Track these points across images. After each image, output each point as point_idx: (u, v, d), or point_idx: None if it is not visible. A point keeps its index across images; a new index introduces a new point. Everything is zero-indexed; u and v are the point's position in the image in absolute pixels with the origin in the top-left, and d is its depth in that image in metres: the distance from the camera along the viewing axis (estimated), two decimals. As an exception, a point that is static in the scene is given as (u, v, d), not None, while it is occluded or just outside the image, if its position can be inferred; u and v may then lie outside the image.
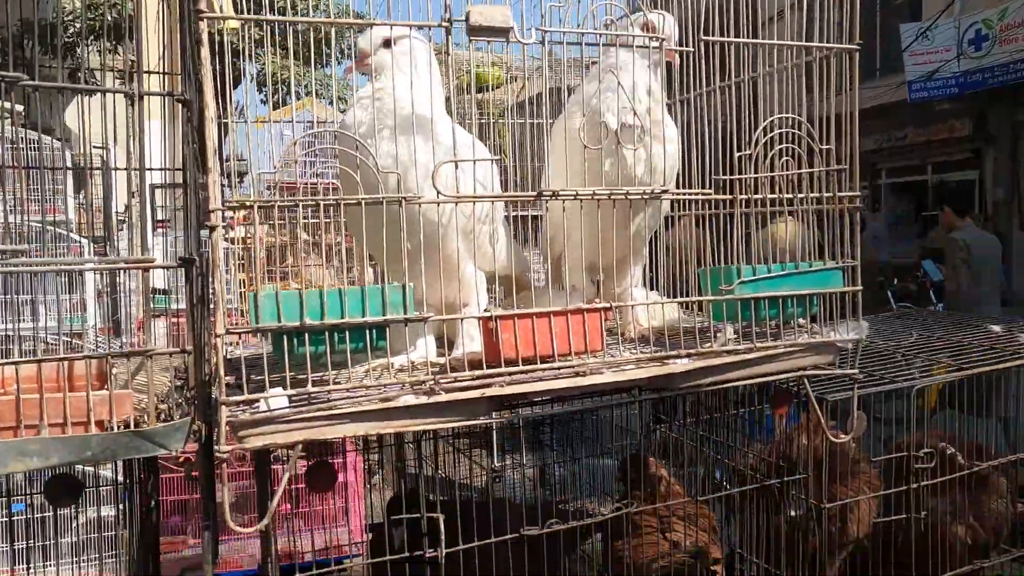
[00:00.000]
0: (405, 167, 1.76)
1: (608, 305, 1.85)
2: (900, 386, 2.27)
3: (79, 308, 5.66)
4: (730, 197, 1.92)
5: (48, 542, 3.98)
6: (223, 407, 1.53)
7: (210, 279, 1.63)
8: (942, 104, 11.24)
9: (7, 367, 1.62)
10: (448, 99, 1.97)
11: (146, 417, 1.63)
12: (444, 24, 1.68)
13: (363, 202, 1.65)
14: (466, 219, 1.81)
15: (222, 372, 1.55)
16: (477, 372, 1.72)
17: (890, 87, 11.07)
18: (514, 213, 2.94)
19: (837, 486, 2.27)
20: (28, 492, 2.92)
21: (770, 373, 1.98)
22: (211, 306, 1.69)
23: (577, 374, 1.78)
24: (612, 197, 1.83)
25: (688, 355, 1.88)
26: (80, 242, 6.10)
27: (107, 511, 3.87)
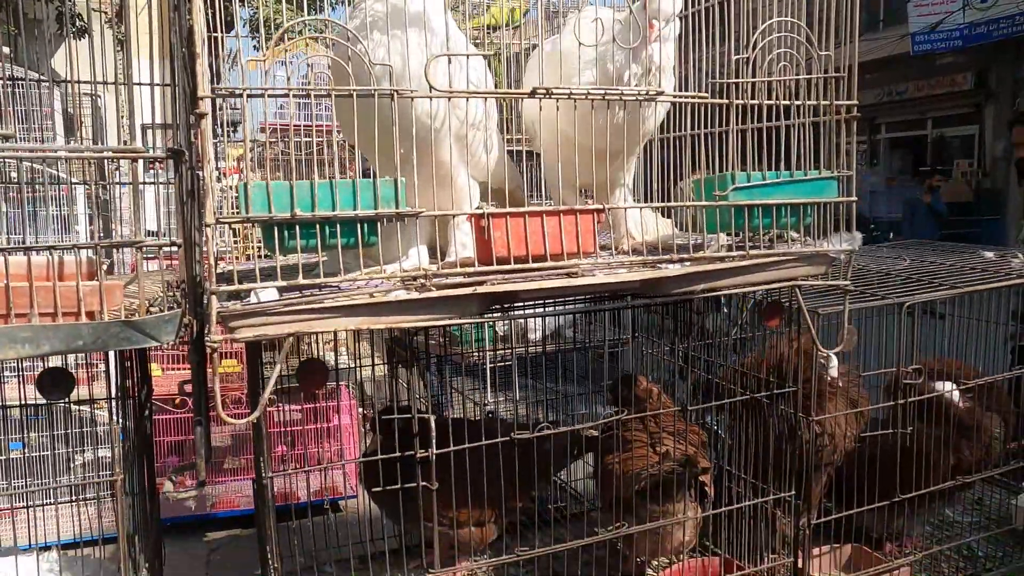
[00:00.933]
0: (399, 66, 1.73)
1: (601, 207, 1.84)
2: (891, 302, 2.28)
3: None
4: (726, 102, 1.90)
5: (47, 481, 4.01)
6: (213, 296, 1.52)
7: (199, 170, 1.61)
8: (944, 57, 11.11)
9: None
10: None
11: (137, 313, 1.63)
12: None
13: (354, 95, 1.63)
14: (460, 123, 1.79)
15: (212, 261, 1.54)
16: (469, 269, 1.72)
17: (892, 39, 10.93)
18: (508, 148, 2.91)
19: (824, 400, 2.30)
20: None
21: (761, 282, 1.99)
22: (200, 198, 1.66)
23: (569, 275, 1.77)
24: (607, 98, 1.81)
25: (680, 260, 1.88)
26: (71, 181, 6.06)
27: (104, 452, 3.90)
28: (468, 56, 1.73)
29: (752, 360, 2.44)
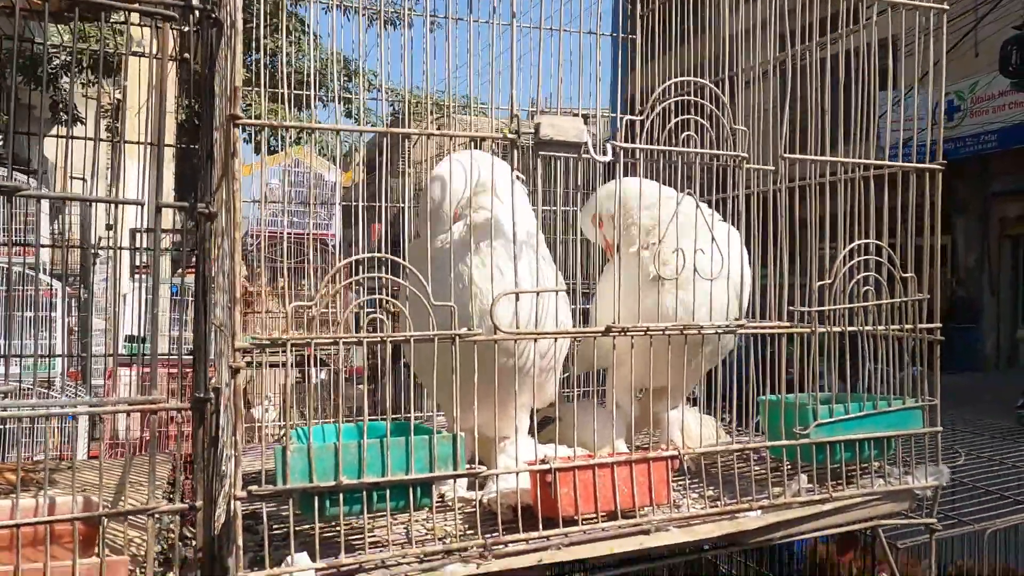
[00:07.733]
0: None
1: (675, 453, 1.65)
2: (972, 528, 2.09)
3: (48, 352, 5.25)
4: (809, 330, 1.74)
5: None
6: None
7: (226, 420, 1.38)
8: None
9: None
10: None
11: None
12: (511, 136, 1.49)
13: (412, 340, 1.43)
14: (531, 363, 1.61)
15: (240, 542, 1.30)
16: (533, 534, 1.49)
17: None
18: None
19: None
20: None
21: (842, 523, 1.79)
22: (224, 451, 1.43)
23: (642, 532, 1.56)
24: (684, 332, 1.64)
25: (760, 508, 1.68)
26: (51, 284, 5.73)
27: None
28: (537, 292, 1.55)
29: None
